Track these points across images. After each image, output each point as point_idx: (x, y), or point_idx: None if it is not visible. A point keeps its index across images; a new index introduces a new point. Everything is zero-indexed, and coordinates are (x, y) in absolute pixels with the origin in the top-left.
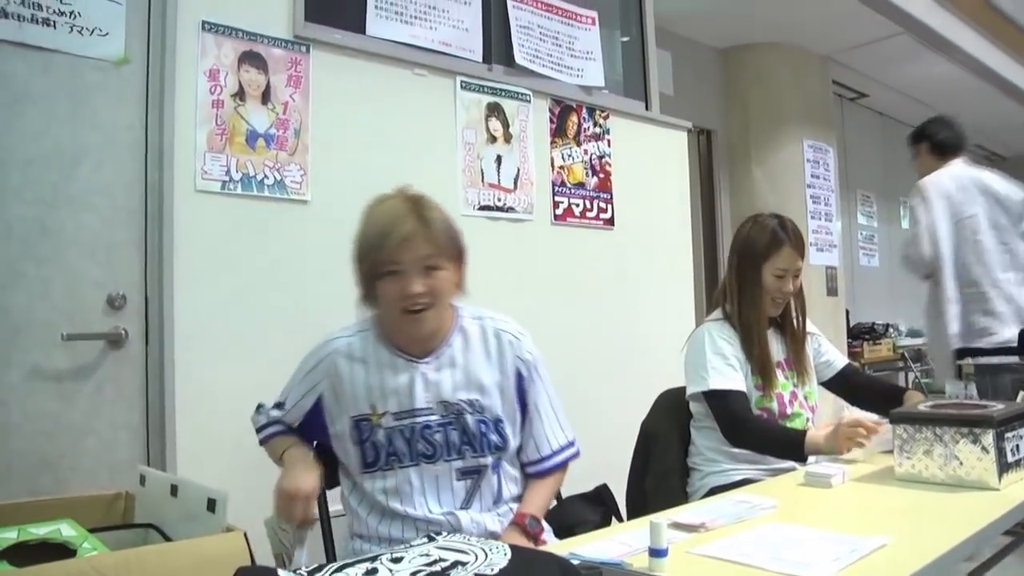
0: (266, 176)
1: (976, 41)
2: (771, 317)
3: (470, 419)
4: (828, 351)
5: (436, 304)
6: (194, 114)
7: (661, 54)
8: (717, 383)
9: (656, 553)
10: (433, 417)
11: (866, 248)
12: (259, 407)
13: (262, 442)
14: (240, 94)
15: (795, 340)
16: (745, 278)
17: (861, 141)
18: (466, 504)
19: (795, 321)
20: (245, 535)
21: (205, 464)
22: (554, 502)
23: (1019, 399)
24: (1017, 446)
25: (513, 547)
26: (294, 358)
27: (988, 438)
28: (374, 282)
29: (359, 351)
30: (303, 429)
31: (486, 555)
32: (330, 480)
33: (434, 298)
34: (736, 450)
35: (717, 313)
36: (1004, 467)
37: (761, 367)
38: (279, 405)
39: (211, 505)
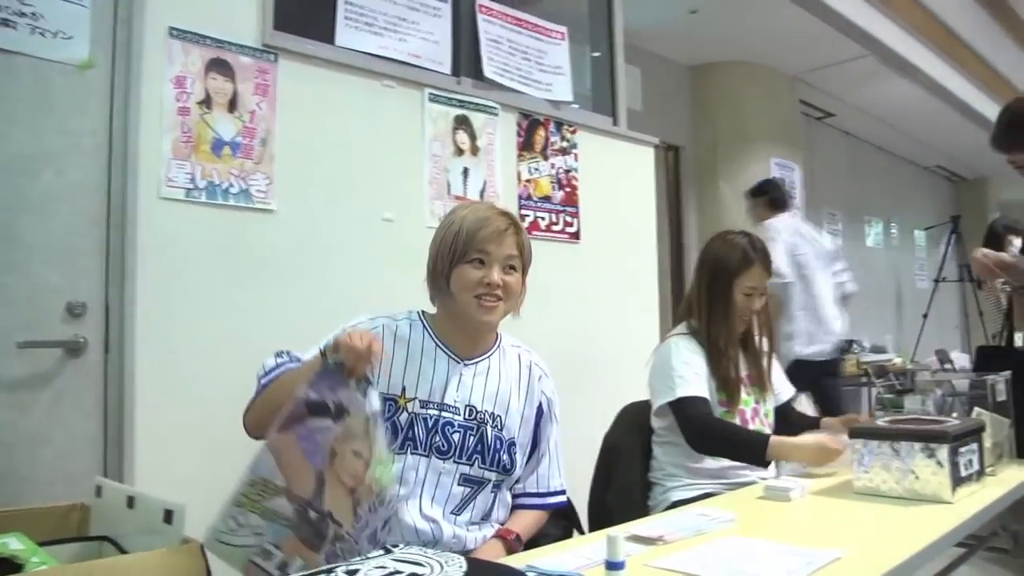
0: (231, 185)
1: (939, 66)
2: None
3: (489, 431)
4: (779, 379)
5: (506, 301)
6: (160, 121)
7: (630, 70)
8: (684, 391)
9: (613, 566)
10: (457, 417)
11: None
12: (278, 354)
13: (265, 386)
14: (207, 102)
15: (757, 356)
16: (716, 295)
17: (827, 160)
18: (458, 510)
19: (757, 338)
20: (201, 547)
21: (165, 475)
22: None
23: (973, 415)
24: (970, 460)
25: (469, 560)
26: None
27: (943, 453)
28: (454, 267)
29: (404, 334)
30: None
31: (442, 567)
32: None
33: (507, 295)
34: (697, 465)
35: (682, 328)
36: (957, 481)
37: (726, 382)
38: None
39: (168, 517)
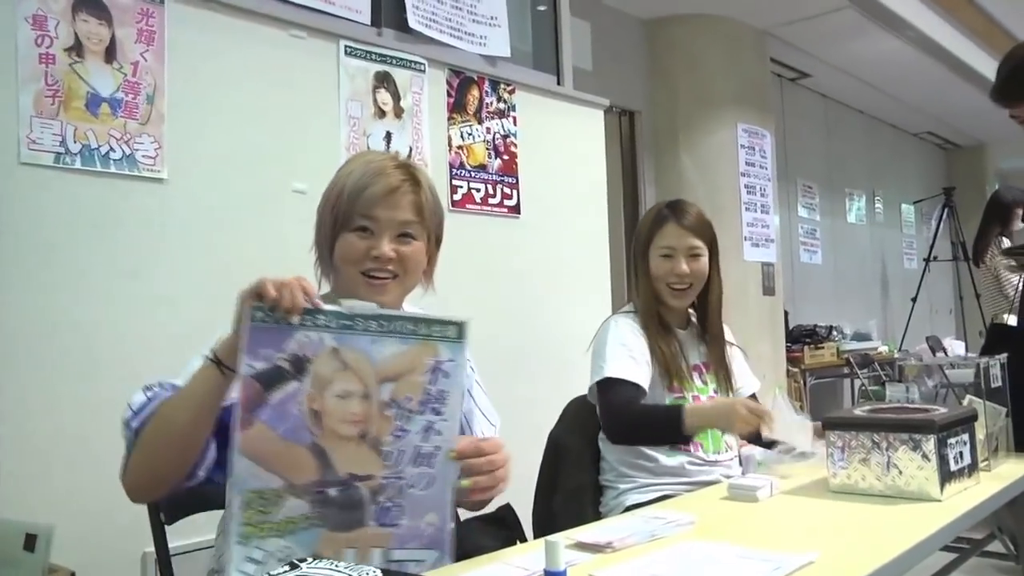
0: (112, 149)
1: (928, 17)
2: (686, 316)
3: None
4: (741, 371)
5: (402, 277)
6: (14, 69)
7: (578, 23)
8: (612, 371)
9: None
10: None
11: (807, 243)
12: (147, 388)
13: (139, 430)
14: (76, 48)
15: (718, 343)
16: (637, 268)
17: (802, 126)
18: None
19: (715, 321)
20: (73, 574)
21: (27, 494)
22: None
23: (965, 403)
24: (961, 453)
25: (386, 572)
26: (147, 366)
27: (929, 445)
28: (337, 235)
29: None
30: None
31: None
32: (176, 511)
33: (403, 269)
34: (652, 463)
35: (628, 307)
36: (946, 476)
37: (666, 365)
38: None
39: (29, 543)
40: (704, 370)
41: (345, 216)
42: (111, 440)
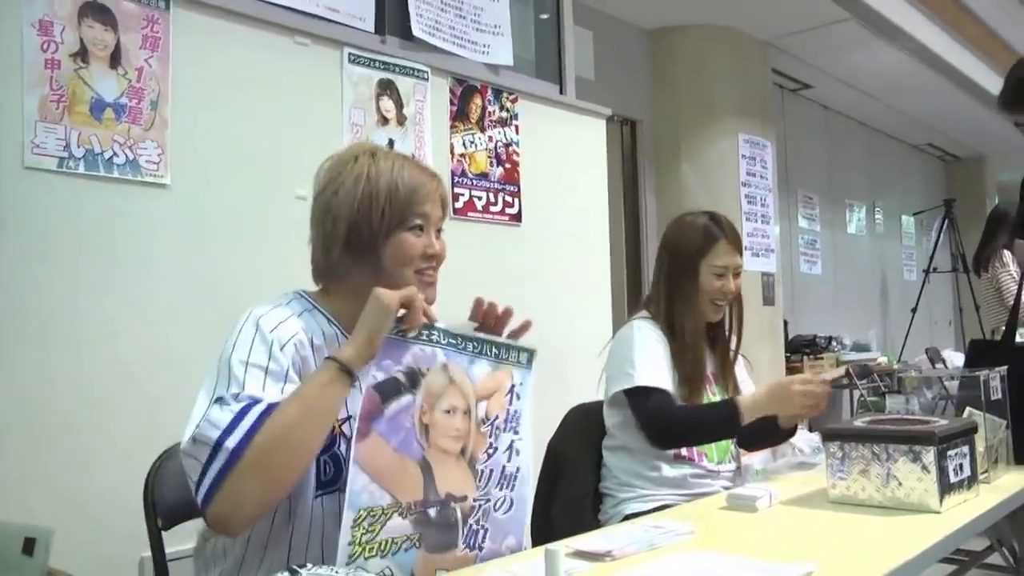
0: (115, 154)
1: (929, 29)
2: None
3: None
4: (744, 381)
5: (438, 272)
6: (20, 74)
7: (580, 32)
8: (645, 379)
9: None
10: None
11: (807, 254)
12: (219, 401)
13: (240, 448)
14: (82, 54)
15: (725, 354)
16: (679, 281)
17: (803, 137)
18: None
19: (727, 332)
20: None
21: (26, 496)
22: None
23: (965, 414)
24: (960, 465)
25: None
26: (149, 372)
27: (929, 456)
28: (390, 235)
29: (316, 336)
30: None
31: None
32: (174, 517)
33: (440, 264)
34: (654, 473)
35: (643, 313)
36: (946, 488)
37: (690, 377)
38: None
39: (28, 547)
40: (714, 381)
41: (400, 215)
42: (111, 445)
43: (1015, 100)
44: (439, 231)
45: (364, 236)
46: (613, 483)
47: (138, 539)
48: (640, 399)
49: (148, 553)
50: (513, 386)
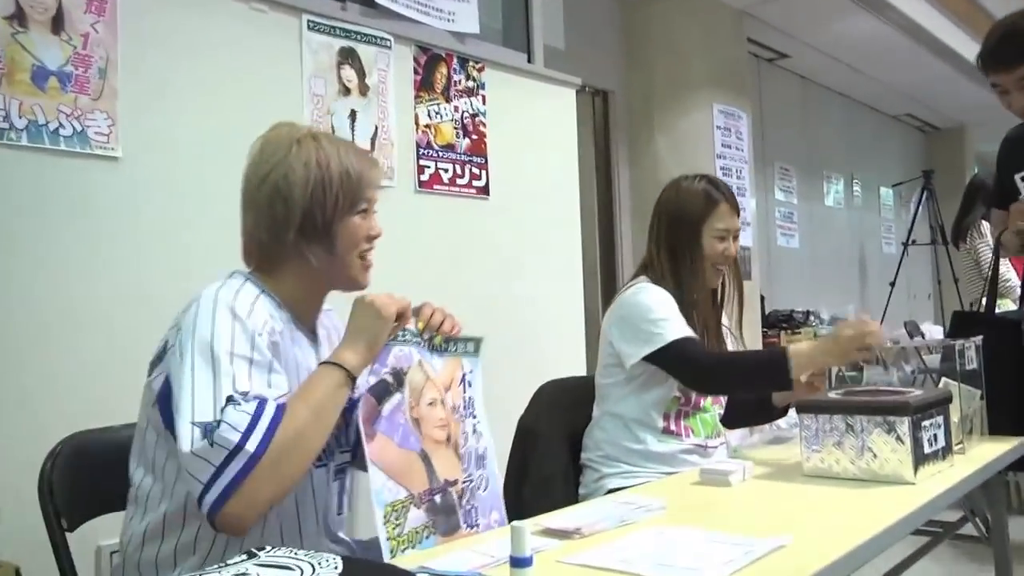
0: (62, 125)
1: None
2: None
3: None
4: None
5: None
6: None
7: (550, 0)
8: (677, 332)
9: (518, 563)
10: None
11: (784, 227)
12: (230, 401)
13: (261, 451)
14: (19, 17)
15: (715, 323)
16: (680, 248)
17: (780, 107)
18: (339, 509)
19: (720, 298)
20: (17, 570)
21: None
22: None
23: (940, 385)
24: (935, 435)
25: (345, 559)
26: (102, 352)
27: (904, 427)
28: (342, 218)
29: (276, 321)
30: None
31: (313, 569)
32: (80, 516)
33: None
34: (640, 447)
35: (644, 279)
36: (920, 459)
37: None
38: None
39: None
40: None
41: (352, 199)
42: (63, 431)
43: (993, 60)
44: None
45: (318, 221)
46: (597, 454)
47: (93, 529)
48: (675, 353)
49: (106, 542)
50: (464, 375)
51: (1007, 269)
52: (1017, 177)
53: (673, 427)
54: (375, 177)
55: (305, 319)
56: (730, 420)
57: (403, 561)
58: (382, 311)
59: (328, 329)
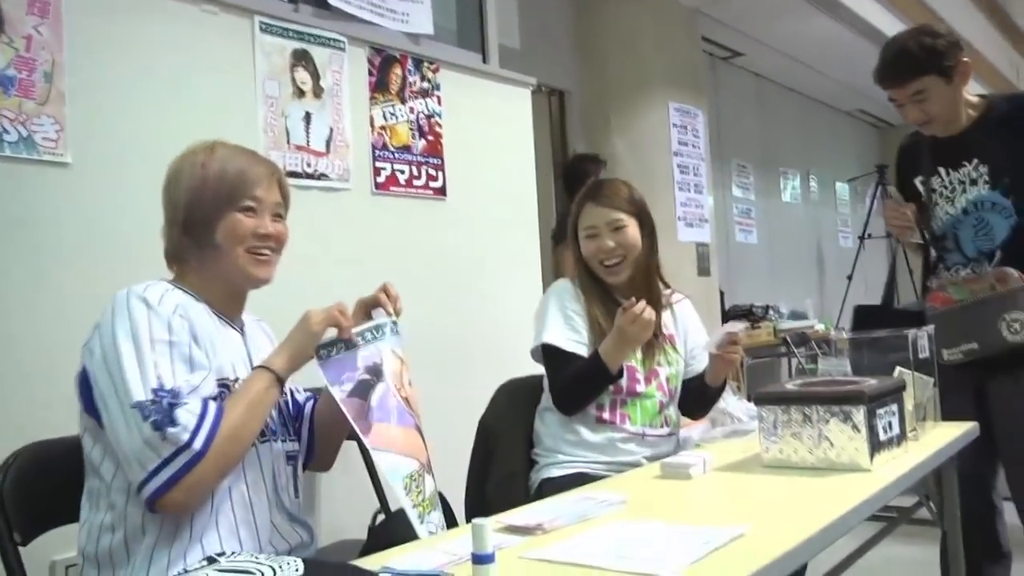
0: (6, 130)
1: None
2: (632, 288)
3: (280, 399)
4: (695, 347)
5: (278, 253)
6: None
7: (504, 0)
8: (547, 337)
9: (480, 559)
10: None
11: (743, 223)
12: (175, 401)
13: (205, 448)
14: None
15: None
16: (573, 251)
17: (736, 105)
18: (295, 492)
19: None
20: None
21: None
22: (381, 516)
23: (895, 374)
24: (890, 423)
25: (307, 562)
26: (47, 363)
27: (859, 415)
28: (217, 220)
29: (191, 309)
30: (89, 410)
31: (274, 572)
32: (33, 529)
33: (279, 245)
34: (574, 437)
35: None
36: (876, 446)
37: (600, 334)
38: (171, 393)
39: None
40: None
41: (229, 197)
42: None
43: (888, 77)
44: (278, 215)
45: (198, 217)
46: (540, 449)
47: (47, 540)
48: (549, 362)
49: (60, 556)
50: (394, 350)
51: None
52: (916, 181)
53: (608, 416)
54: (259, 176)
55: (226, 312)
56: (686, 410)
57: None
58: (310, 324)
59: (259, 335)
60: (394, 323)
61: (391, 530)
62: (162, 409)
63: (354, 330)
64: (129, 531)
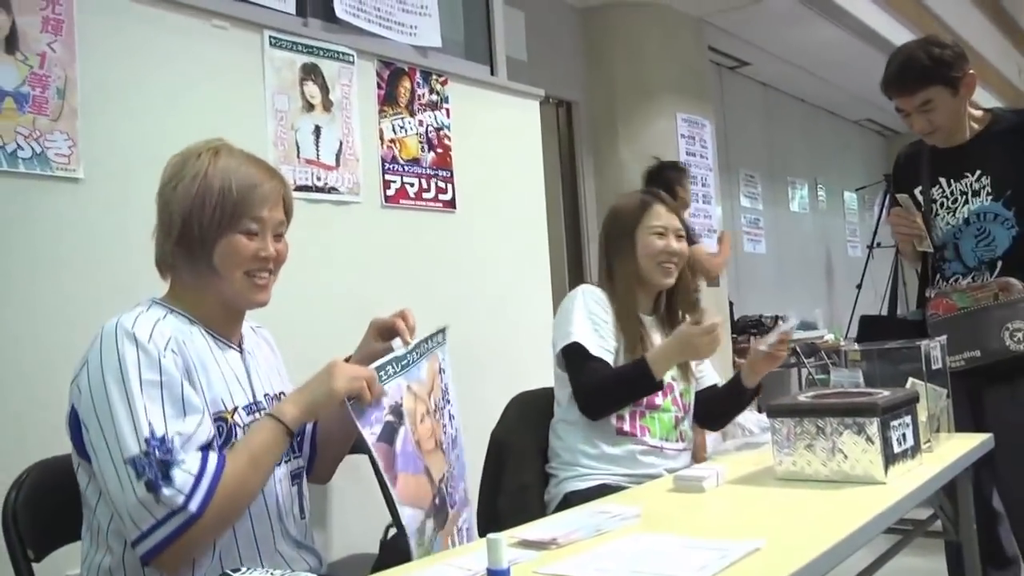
0: (20, 147)
1: (863, 5)
2: (655, 303)
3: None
4: (706, 366)
5: (275, 274)
6: None
7: (511, 12)
8: (578, 336)
9: (496, 575)
10: (266, 410)
11: (751, 233)
12: (171, 460)
13: (202, 510)
14: None
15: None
16: (617, 247)
17: (743, 115)
18: (302, 514)
19: (680, 311)
20: None
21: None
22: (393, 531)
23: (907, 385)
24: (904, 435)
25: None
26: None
27: (873, 428)
28: (216, 239)
29: (184, 336)
30: (82, 454)
31: None
32: (46, 546)
33: (277, 267)
34: (595, 450)
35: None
36: (890, 458)
37: (632, 346)
38: (162, 443)
39: None
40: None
41: (232, 217)
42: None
43: (894, 86)
44: (279, 235)
45: (195, 233)
46: (557, 462)
47: (62, 558)
48: (575, 363)
49: (74, 572)
50: (440, 365)
51: None
52: (916, 191)
53: (628, 427)
54: (265, 194)
55: (223, 332)
56: (710, 419)
57: None
58: (334, 386)
59: (258, 344)
60: (431, 341)
61: (404, 545)
62: (155, 464)
63: (374, 366)
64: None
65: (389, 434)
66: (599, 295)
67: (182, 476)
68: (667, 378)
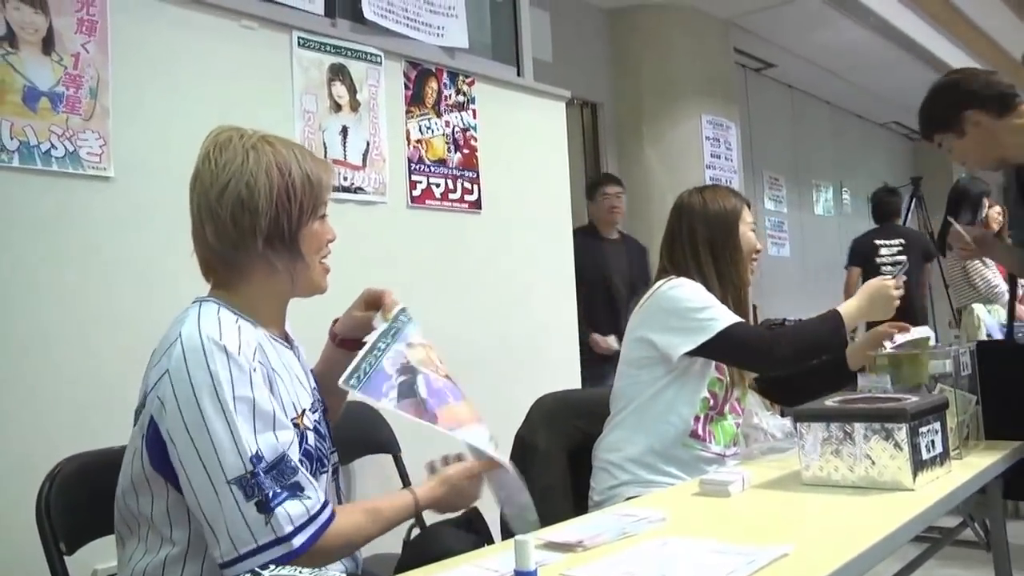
0: (54, 146)
1: (891, 4)
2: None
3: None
4: None
5: None
6: None
7: (537, 13)
8: (729, 319)
9: None
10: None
11: (775, 237)
12: (296, 488)
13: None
14: (9, 39)
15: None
16: (724, 244)
17: (768, 117)
18: None
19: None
20: None
21: None
22: (416, 531)
23: (936, 391)
24: (932, 441)
25: None
26: (93, 376)
27: (902, 434)
28: (300, 229)
29: (260, 339)
30: (160, 468)
31: None
32: (79, 539)
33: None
34: (662, 448)
35: (673, 277)
36: (919, 465)
37: None
38: (263, 462)
39: None
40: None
41: (313, 204)
42: (53, 451)
43: (931, 128)
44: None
45: (284, 228)
46: (616, 456)
47: (88, 551)
48: (734, 338)
49: (103, 565)
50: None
51: (994, 275)
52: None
53: (700, 431)
54: (329, 180)
55: (276, 328)
56: (798, 391)
57: None
58: (466, 500)
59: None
60: (403, 315)
61: (427, 544)
62: (266, 485)
63: (366, 340)
64: None
65: (407, 390)
66: (699, 285)
67: (297, 507)
68: (726, 383)
